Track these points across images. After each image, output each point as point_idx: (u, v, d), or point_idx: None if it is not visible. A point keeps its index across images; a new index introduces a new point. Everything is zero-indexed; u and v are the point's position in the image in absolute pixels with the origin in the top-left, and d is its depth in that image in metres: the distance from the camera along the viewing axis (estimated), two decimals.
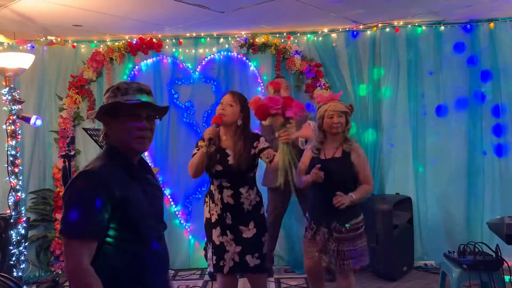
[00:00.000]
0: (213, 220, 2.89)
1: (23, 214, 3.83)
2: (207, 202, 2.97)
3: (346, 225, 2.85)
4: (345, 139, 2.98)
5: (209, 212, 2.93)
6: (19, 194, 3.79)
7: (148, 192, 1.65)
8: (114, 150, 1.62)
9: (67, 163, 2.74)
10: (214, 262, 2.87)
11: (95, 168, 1.54)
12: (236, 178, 2.84)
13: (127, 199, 1.53)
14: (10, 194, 3.76)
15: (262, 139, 2.91)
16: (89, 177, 1.51)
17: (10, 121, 3.76)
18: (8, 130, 3.75)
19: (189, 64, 4.85)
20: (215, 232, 2.87)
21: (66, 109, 4.73)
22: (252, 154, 2.86)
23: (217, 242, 2.86)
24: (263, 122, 2.92)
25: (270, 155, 2.83)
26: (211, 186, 2.96)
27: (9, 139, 3.76)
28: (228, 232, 2.85)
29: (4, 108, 3.85)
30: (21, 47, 4.64)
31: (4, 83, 3.80)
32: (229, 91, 3.02)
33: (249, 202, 2.87)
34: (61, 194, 4.52)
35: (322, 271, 3.10)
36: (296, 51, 4.68)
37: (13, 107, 3.77)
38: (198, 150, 2.85)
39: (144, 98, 1.62)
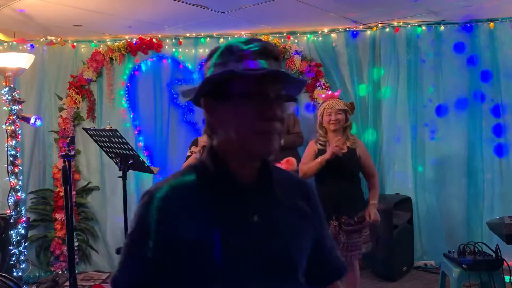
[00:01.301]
0: None
1: (23, 214, 3.83)
2: None
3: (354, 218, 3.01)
4: (347, 136, 3.08)
5: None
6: (19, 194, 3.79)
7: (260, 228, 1.00)
8: (212, 157, 1.03)
9: (67, 163, 2.73)
10: None
11: (158, 190, 1.00)
12: None
13: (198, 243, 0.95)
14: (10, 194, 3.75)
15: None
16: (144, 205, 0.99)
17: (10, 121, 3.75)
18: (8, 130, 3.75)
19: (189, 64, 4.85)
20: None
21: (66, 109, 4.73)
22: None
23: None
24: None
25: None
26: None
27: (9, 139, 3.75)
28: None
29: (4, 108, 3.85)
30: (21, 47, 4.64)
31: (4, 83, 3.80)
32: None
33: None
34: (61, 194, 4.53)
35: None
36: (296, 51, 4.68)
37: (13, 107, 3.77)
38: (191, 153, 2.94)
39: (271, 65, 0.98)
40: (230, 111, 0.98)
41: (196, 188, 1.00)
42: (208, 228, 0.96)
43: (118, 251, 2.88)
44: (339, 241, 2.98)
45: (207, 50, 4.79)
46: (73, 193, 4.58)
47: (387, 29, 4.61)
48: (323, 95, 3.22)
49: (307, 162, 3.11)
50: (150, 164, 4.66)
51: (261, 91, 0.96)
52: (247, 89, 0.96)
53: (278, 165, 2.82)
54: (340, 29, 4.71)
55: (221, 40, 4.80)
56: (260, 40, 1.00)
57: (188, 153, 2.98)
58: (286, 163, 3.08)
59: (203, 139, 2.88)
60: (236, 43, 0.99)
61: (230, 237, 0.96)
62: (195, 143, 2.93)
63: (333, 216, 2.99)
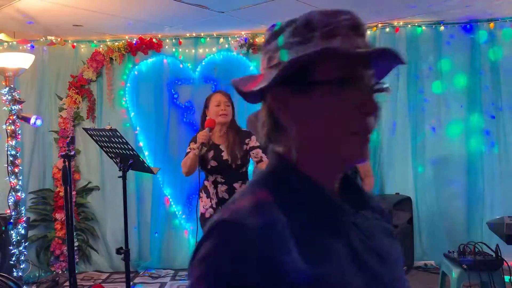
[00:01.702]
0: (207, 215, 2.99)
1: (23, 214, 3.83)
2: (201, 197, 3.07)
3: None
4: None
5: (204, 207, 3.03)
6: (19, 194, 3.79)
7: (369, 257, 0.75)
8: (287, 167, 0.77)
9: (67, 163, 2.73)
10: None
11: (242, 216, 0.68)
12: (230, 173, 2.95)
13: (320, 279, 0.66)
14: (10, 194, 3.75)
15: (253, 137, 3.03)
16: (231, 239, 0.66)
17: (10, 121, 3.76)
18: (8, 130, 3.75)
19: (189, 64, 4.85)
20: None
21: (66, 109, 4.73)
22: (245, 150, 2.98)
23: None
24: None
25: (258, 156, 2.97)
26: (205, 181, 3.06)
27: (9, 139, 3.75)
28: None
29: (4, 108, 3.85)
30: (21, 47, 4.65)
31: (4, 83, 3.80)
32: (217, 90, 3.13)
33: None
34: (61, 194, 4.53)
35: None
36: None
37: (13, 107, 3.77)
38: (190, 149, 2.94)
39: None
40: (314, 105, 0.73)
41: (286, 210, 0.70)
42: (321, 262, 0.68)
43: (118, 251, 2.87)
44: None
45: (207, 50, 4.81)
46: (73, 193, 4.58)
47: (387, 29, 4.61)
48: None
49: None
50: (150, 164, 4.66)
51: (358, 77, 0.73)
52: (341, 75, 0.72)
53: None
54: None
55: (221, 40, 4.81)
56: (348, 12, 0.74)
57: (188, 150, 2.99)
58: None
59: (202, 135, 2.86)
60: (317, 16, 0.75)
61: (345, 271, 0.70)
62: (194, 139, 2.93)
63: None
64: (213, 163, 2.94)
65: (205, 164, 2.95)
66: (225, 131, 3.01)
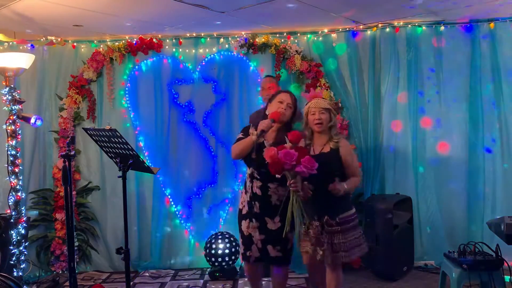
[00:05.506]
0: (244, 211, 3.06)
1: (23, 214, 3.83)
2: (242, 192, 3.14)
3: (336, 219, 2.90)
4: (331, 136, 2.96)
5: (242, 203, 3.10)
6: (19, 194, 3.79)
7: None
8: None
9: (67, 163, 2.73)
10: (242, 251, 3.07)
11: None
12: (266, 171, 2.80)
13: None
14: (10, 194, 3.76)
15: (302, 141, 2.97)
16: None
17: (10, 121, 3.76)
18: (8, 130, 3.75)
19: (189, 64, 4.85)
20: (244, 224, 3.05)
21: (66, 109, 4.73)
22: None
23: (246, 233, 3.04)
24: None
25: None
26: (247, 174, 3.10)
27: (9, 139, 3.76)
28: (254, 219, 3.00)
29: (4, 108, 3.85)
30: (21, 47, 4.65)
31: (4, 83, 3.80)
32: (285, 90, 3.10)
33: (277, 197, 2.95)
34: (61, 194, 4.54)
35: (320, 264, 3.10)
36: (296, 51, 4.68)
37: (13, 107, 3.77)
38: (243, 135, 2.98)
39: None
40: None
41: None
42: None
43: (118, 251, 2.87)
44: (322, 242, 2.92)
45: (207, 50, 4.82)
46: (73, 193, 4.58)
47: (387, 29, 4.61)
48: (308, 94, 3.14)
49: None
50: (150, 164, 4.66)
51: None
52: None
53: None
54: (340, 29, 4.71)
55: (221, 40, 4.81)
56: None
57: (239, 136, 3.01)
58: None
59: (264, 123, 2.77)
60: None
61: None
62: (246, 129, 2.99)
63: (315, 217, 2.93)
64: (253, 155, 2.91)
65: (249, 154, 2.94)
66: (276, 130, 2.97)
